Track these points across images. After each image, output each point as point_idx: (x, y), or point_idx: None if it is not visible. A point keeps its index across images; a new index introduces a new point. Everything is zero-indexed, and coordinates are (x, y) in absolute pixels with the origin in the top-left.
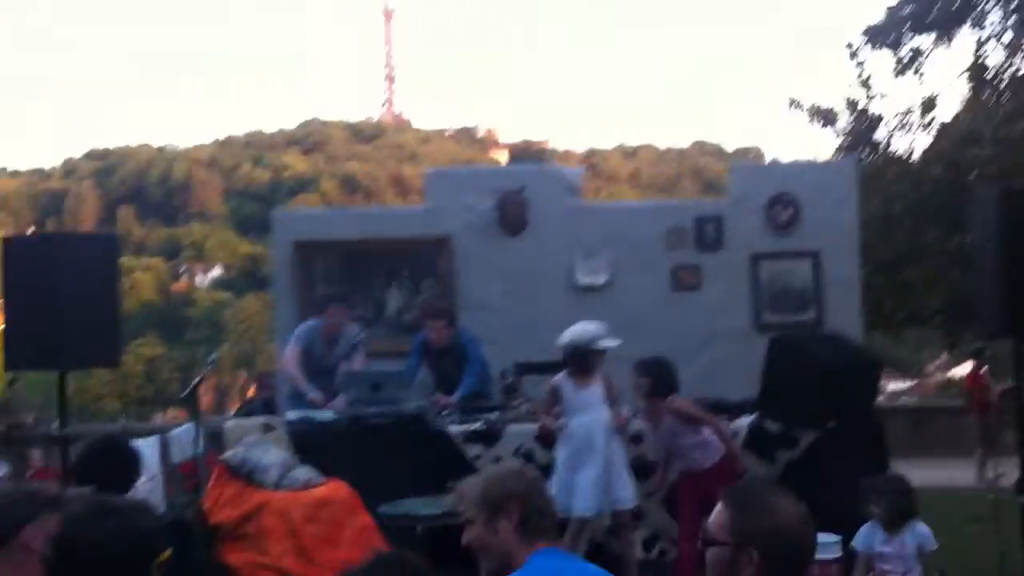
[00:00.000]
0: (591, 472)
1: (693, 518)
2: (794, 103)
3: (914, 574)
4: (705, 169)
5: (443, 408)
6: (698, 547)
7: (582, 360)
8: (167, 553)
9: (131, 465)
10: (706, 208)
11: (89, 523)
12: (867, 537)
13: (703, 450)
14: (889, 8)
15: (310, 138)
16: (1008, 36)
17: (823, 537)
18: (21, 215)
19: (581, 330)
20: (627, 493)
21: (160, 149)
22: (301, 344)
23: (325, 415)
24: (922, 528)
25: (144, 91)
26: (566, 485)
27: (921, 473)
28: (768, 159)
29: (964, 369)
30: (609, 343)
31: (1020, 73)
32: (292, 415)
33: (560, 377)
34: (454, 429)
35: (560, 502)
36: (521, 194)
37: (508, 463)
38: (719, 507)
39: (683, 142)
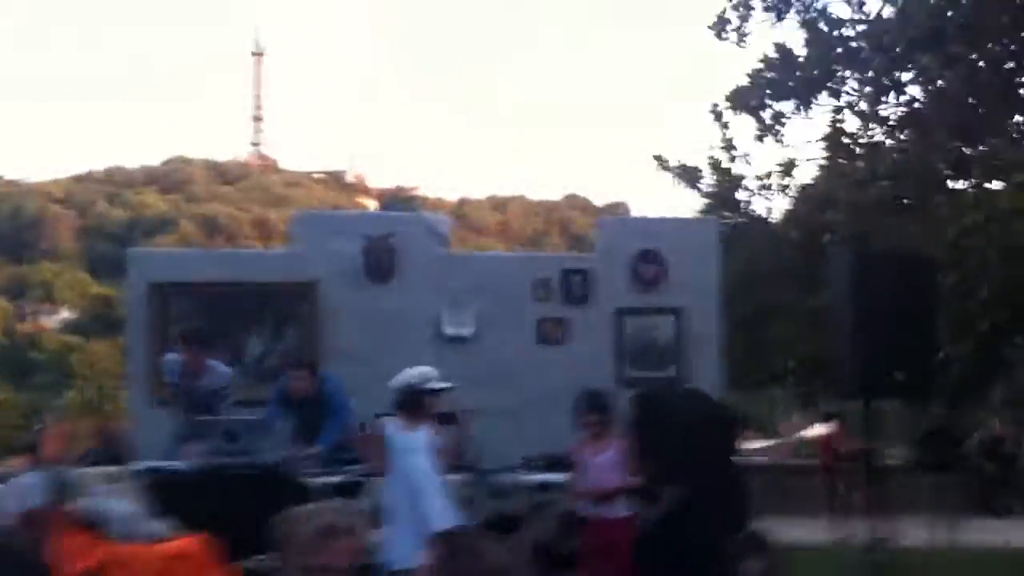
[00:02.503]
0: (406, 524)
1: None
2: (660, 161)
3: None
4: (574, 222)
5: (304, 459)
6: None
7: (414, 401)
8: None
9: None
10: (573, 261)
11: None
12: None
13: (620, 501)
14: (749, 74)
15: (172, 176)
16: (863, 105)
17: None
18: None
19: (414, 371)
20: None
21: (11, 182)
22: (168, 376)
23: (177, 465)
24: None
25: None
26: (385, 536)
27: (775, 531)
28: (635, 215)
29: (816, 429)
30: (442, 384)
31: (875, 139)
32: (141, 464)
33: (388, 421)
34: (313, 482)
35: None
36: (389, 241)
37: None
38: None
39: (554, 195)
